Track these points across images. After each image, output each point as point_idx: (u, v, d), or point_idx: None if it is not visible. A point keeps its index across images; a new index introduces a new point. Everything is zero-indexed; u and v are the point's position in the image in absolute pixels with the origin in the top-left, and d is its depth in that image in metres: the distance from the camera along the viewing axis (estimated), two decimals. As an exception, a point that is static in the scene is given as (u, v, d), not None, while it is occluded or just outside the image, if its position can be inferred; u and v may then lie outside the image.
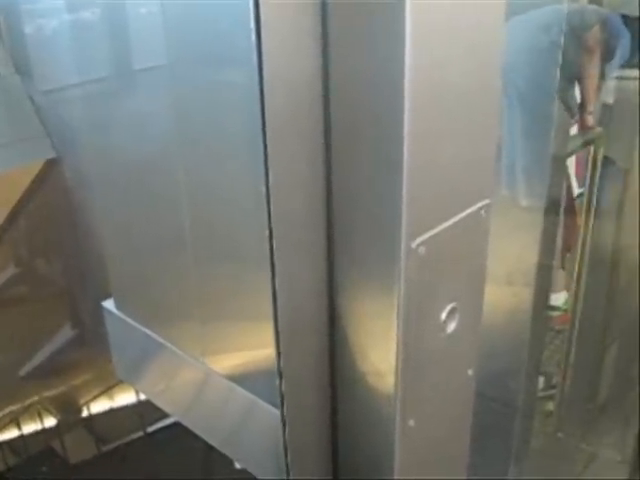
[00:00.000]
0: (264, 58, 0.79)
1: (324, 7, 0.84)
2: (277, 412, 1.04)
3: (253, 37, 0.79)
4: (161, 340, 1.35)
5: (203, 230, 1.07)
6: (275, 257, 0.88)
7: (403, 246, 0.86)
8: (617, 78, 3.09)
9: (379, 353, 0.94)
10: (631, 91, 2.99)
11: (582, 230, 3.19)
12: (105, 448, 5.81)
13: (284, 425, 1.01)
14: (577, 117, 3.05)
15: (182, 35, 0.97)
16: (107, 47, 1.14)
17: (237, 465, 1.26)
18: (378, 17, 0.78)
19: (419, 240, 0.88)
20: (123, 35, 1.08)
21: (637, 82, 2.95)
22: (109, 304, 1.52)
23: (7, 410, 5.14)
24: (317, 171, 0.90)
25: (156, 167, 1.12)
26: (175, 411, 1.49)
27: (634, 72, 3.01)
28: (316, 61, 0.86)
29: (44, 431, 5.15)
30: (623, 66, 3.04)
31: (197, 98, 0.97)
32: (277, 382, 0.98)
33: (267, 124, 0.82)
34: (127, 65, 1.12)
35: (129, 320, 1.45)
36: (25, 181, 4.09)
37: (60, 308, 4.66)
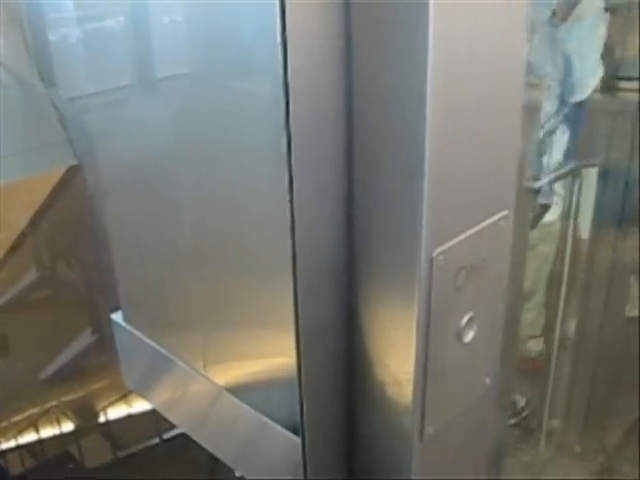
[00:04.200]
0: (289, 67, 0.81)
1: (348, 17, 0.85)
2: (289, 434, 1.04)
3: (279, 46, 0.80)
4: (167, 353, 1.37)
5: (220, 240, 1.08)
6: (297, 265, 0.89)
7: (423, 255, 0.87)
8: (617, 90, 3.07)
9: (398, 361, 0.95)
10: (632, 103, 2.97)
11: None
12: (121, 453, 5.83)
13: (303, 434, 1.02)
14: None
15: (205, 44, 0.99)
16: (130, 56, 1.16)
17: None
18: (401, 25, 0.79)
19: (439, 250, 0.89)
20: (146, 44, 1.10)
21: (637, 94, 2.93)
22: (118, 316, 1.55)
23: (27, 413, 5.20)
24: (339, 179, 0.91)
25: (173, 177, 1.14)
26: (182, 423, 1.50)
27: (634, 84, 2.99)
28: (339, 70, 0.87)
29: (62, 435, 5.19)
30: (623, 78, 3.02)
31: (219, 107, 0.99)
32: (295, 391, 0.99)
33: (292, 134, 0.83)
34: (149, 73, 1.14)
35: (137, 333, 1.47)
36: (47, 187, 4.15)
37: (80, 313, 4.70)
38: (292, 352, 0.96)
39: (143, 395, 1.61)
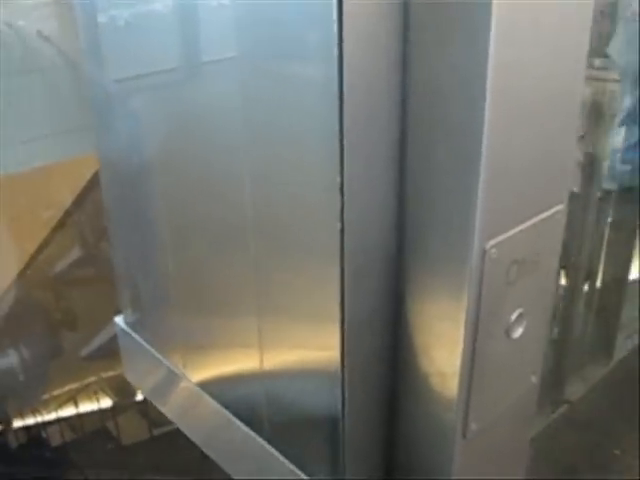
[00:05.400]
0: (345, 54, 0.79)
1: (406, 6, 0.83)
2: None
3: (335, 33, 0.78)
4: (166, 363, 1.40)
5: (268, 226, 1.06)
6: (345, 253, 0.88)
7: (475, 247, 0.85)
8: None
9: (444, 354, 0.93)
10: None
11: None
12: (157, 432, 5.92)
13: (343, 424, 1.01)
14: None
15: (255, 28, 0.97)
16: (178, 39, 1.15)
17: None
18: (463, 18, 0.78)
19: (492, 242, 0.87)
20: (194, 26, 1.09)
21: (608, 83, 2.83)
22: (120, 319, 1.58)
23: (67, 388, 5.32)
24: (391, 168, 0.90)
25: (220, 162, 1.12)
26: (176, 421, 1.54)
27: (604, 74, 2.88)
28: (396, 60, 0.85)
29: (100, 411, 5.30)
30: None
31: (267, 91, 0.97)
32: (339, 381, 0.98)
33: (344, 121, 0.82)
34: (197, 57, 1.13)
35: (137, 337, 1.49)
36: (93, 167, 4.20)
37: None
38: (335, 342, 0.95)
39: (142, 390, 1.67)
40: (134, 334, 1.53)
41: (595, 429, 3.12)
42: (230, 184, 1.11)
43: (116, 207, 1.52)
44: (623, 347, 3.39)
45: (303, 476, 1.12)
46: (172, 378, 1.44)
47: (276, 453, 1.18)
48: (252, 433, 1.23)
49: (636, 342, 3.44)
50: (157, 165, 1.32)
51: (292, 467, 1.14)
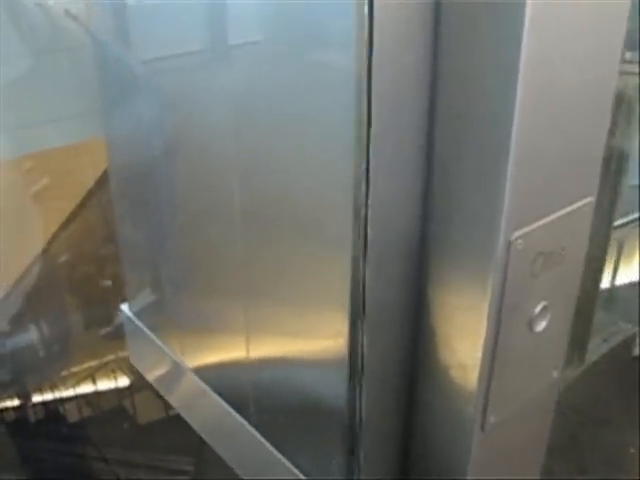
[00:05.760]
0: (375, 41, 0.78)
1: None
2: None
3: (366, 18, 0.77)
4: (166, 349, 1.40)
5: (287, 212, 1.05)
6: (368, 241, 0.87)
7: (501, 238, 0.83)
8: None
9: (465, 346, 0.92)
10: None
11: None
12: (172, 412, 5.99)
13: (360, 414, 1.00)
14: None
15: (280, 12, 0.96)
16: (205, 21, 1.14)
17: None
18: (495, 9, 0.76)
19: (518, 233, 0.85)
20: (221, 9, 1.08)
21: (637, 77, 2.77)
22: (126, 307, 1.59)
23: (85, 365, 5.38)
24: (418, 156, 0.88)
25: (241, 145, 1.11)
26: (176, 407, 1.55)
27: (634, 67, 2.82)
28: (425, 49, 0.83)
29: (117, 390, 5.36)
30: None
31: (294, 78, 0.96)
32: (358, 369, 0.97)
33: (372, 108, 0.81)
34: (223, 39, 1.12)
35: (140, 324, 1.50)
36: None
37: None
38: (354, 331, 0.94)
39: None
40: (137, 321, 1.55)
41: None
42: (250, 169, 1.10)
43: (122, 193, 1.53)
44: (598, 350, 3.37)
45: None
46: (170, 364, 1.46)
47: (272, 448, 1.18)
48: (243, 420, 1.23)
49: (612, 345, 3.42)
50: (172, 149, 1.31)
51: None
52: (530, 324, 0.94)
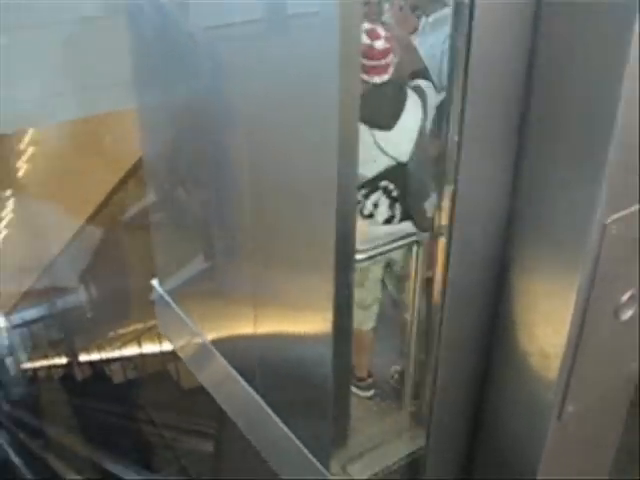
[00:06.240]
0: (476, 16, 0.75)
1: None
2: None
3: (466, 16, 0.75)
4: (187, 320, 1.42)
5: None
6: (453, 220, 0.84)
7: (596, 222, 0.79)
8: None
9: (548, 332, 0.88)
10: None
11: None
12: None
13: (432, 394, 0.98)
14: None
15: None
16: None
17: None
18: (602, 14, 0.73)
19: (614, 217, 0.81)
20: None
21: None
22: (156, 281, 1.60)
23: (132, 328, 5.46)
24: (510, 134, 0.84)
25: (300, 112, 1.04)
26: (198, 377, 1.56)
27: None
28: (523, 46, 0.81)
29: (162, 354, 5.43)
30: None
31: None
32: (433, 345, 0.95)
33: (468, 82, 0.77)
34: (282, 9, 1.09)
35: (167, 297, 1.51)
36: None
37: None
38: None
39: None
40: (165, 295, 1.57)
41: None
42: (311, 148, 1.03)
43: (154, 166, 1.52)
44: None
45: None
46: (191, 335, 1.47)
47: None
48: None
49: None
50: (221, 122, 1.27)
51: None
52: (616, 312, 0.90)
